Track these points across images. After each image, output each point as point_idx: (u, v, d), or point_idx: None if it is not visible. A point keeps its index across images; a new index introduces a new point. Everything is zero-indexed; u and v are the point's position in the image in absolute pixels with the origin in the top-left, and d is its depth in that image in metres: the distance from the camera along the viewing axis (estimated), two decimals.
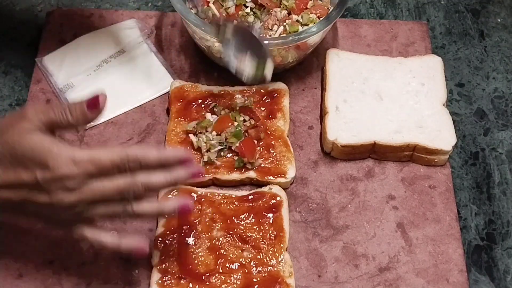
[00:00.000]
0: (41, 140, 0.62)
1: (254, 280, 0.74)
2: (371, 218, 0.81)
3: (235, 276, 0.75)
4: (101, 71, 0.91)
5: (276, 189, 0.81)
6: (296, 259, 0.78)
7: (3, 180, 0.62)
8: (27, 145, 0.61)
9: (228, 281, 0.74)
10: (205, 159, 0.81)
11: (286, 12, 0.89)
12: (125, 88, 0.90)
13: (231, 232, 0.77)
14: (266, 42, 0.83)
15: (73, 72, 0.90)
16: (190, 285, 0.74)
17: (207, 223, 0.78)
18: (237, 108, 0.86)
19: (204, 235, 0.77)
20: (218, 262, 0.75)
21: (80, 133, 0.86)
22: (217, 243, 0.77)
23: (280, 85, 0.90)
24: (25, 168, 0.61)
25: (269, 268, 0.75)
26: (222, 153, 0.83)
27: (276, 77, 0.90)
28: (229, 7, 0.88)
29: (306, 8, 0.90)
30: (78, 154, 0.61)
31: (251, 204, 0.80)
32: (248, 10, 0.89)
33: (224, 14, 0.89)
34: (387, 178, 0.85)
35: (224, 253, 0.76)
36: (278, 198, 0.80)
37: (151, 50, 0.94)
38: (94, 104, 0.65)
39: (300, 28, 0.87)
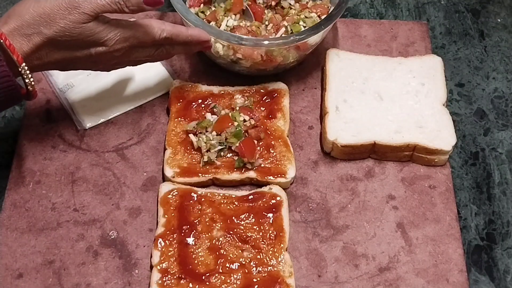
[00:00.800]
0: (96, 27, 0.73)
1: (254, 280, 0.74)
2: (371, 218, 0.81)
3: (235, 276, 0.75)
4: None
5: (276, 189, 0.81)
6: (296, 259, 0.78)
7: (59, 56, 0.74)
8: (84, 33, 0.72)
9: (228, 281, 0.74)
10: (205, 159, 0.81)
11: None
12: (125, 88, 0.90)
13: (231, 232, 0.77)
14: (266, 42, 0.83)
15: (73, 72, 0.89)
16: (190, 285, 0.74)
17: (207, 223, 0.78)
18: (237, 108, 0.86)
19: (204, 235, 0.77)
20: (218, 262, 0.75)
21: (80, 132, 0.86)
22: (217, 243, 0.77)
23: (280, 85, 0.90)
24: (82, 48, 0.74)
25: (269, 268, 0.75)
26: (222, 153, 0.83)
27: (276, 77, 0.90)
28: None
29: (307, 8, 0.90)
30: (125, 33, 0.75)
31: (251, 204, 0.80)
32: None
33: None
34: (387, 178, 0.85)
35: (224, 253, 0.76)
36: (278, 198, 0.80)
37: None
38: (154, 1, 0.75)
39: (302, 28, 0.87)
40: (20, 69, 0.70)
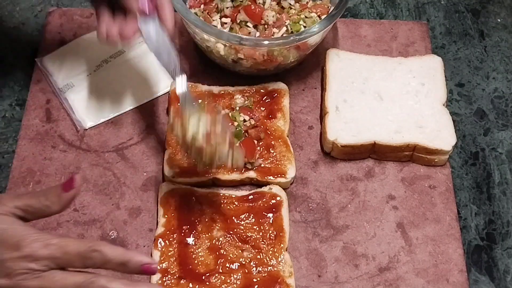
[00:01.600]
0: (13, 223, 0.61)
1: (254, 280, 0.74)
2: (371, 218, 0.82)
3: (235, 276, 0.75)
4: (101, 71, 0.91)
5: (276, 189, 0.81)
6: (296, 259, 0.78)
7: None
8: None
9: (228, 281, 0.74)
10: None
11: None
12: (125, 88, 0.90)
13: (231, 232, 0.77)
14: (266, 42, 0.83)
15: (73, 72, 0.90)
16: (190, 285, 0.74)
17: (207, 223, 0.78)
18: (237, 108, 0.86)
19: (204, 235, 0.77)
20: (218, 262, 0.75)
21: (80, 132, 0.86)
22: (217, 243, 0.77)
23: (280, 85, 0.90)
24: None
25: (269, 268, 0.75)
26: None
27: (276, 77, 0.90)
28: (227, 7, 0.88)
29: (307, 8, 0.90)
30: (50, 240, 0.60)
31: (251, 204, 0.79)
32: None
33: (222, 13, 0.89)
34: (387, 178, 0.85)
35: (224, 253, 0.76)
36: (278, 198, 0.80)
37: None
38: (69, 185, 0.64)
39: (302, 28, 0.87)
40: None
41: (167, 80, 0.91)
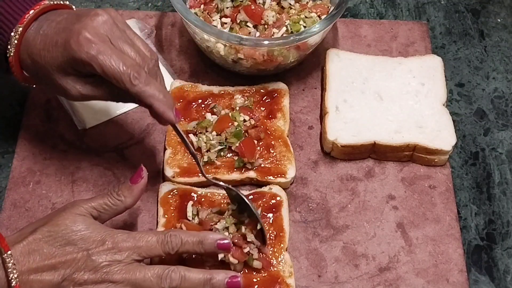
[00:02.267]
0: (94, 223, 0.67)
1: (254, 280, 0.74)
2: (371, 218, 0.82)
3: None
4: None
5: (276, 189, 0.81)
6: (296, 259, 0.78)
7: (50, 262, 0.64)
8: (81, 226, 0.65)
9: None
10: (205, 159, 0.81)
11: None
12: None
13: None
14: (266, 42, 0.83)
15: None
16: None
17: None
18: (237, 108, 0.86)
19: None
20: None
21: (80, 132, 0.86)
22: None
23: (280, 85, 0.90)
24: (75, 246, 0.65)
25: (269, 268, 0.75)
26: (222, 153, 0.83)
27: (276, 77, 0.90)
28: (227, 7, 0.88)
29: (307, 8, 0.90)
30: (131, 233, 0.67)
31: None
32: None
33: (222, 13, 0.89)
34: (387, 178, 0.85)
35: None
36: (278, 198, 0.80)
37: None
38: (138, 176, 0.71)
39: (302, 28, 0.87)
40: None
41: (167, 80, 0.91)
